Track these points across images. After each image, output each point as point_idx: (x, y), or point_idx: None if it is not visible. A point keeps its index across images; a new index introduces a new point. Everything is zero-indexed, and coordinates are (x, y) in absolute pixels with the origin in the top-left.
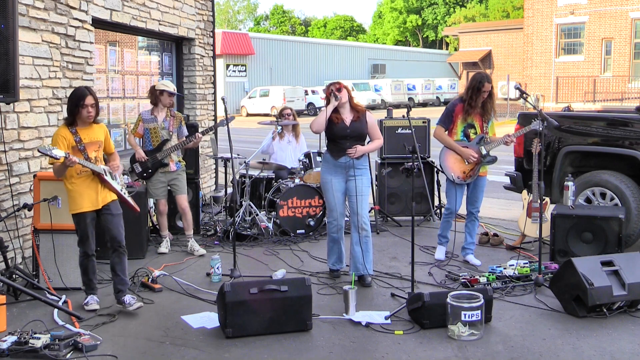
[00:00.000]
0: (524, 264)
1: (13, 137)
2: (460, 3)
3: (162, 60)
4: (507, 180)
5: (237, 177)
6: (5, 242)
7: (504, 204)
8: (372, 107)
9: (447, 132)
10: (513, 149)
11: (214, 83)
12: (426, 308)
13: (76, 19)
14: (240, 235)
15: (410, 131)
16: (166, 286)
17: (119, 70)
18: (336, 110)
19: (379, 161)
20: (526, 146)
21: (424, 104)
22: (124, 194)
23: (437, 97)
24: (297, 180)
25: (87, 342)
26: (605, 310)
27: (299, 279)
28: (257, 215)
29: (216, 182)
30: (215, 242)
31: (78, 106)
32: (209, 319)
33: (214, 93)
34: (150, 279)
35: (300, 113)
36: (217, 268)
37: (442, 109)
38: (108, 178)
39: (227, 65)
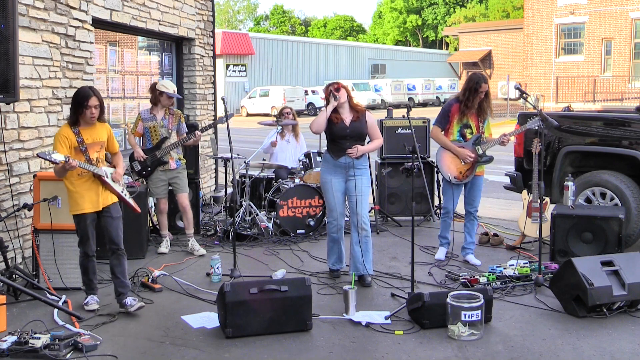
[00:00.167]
0: (524, 264)
1: (13, 137)
2: (460, 3)
3: (162, 60)
4: (507, 180)
5: (237, 177)
6: (5, 242)
7: (504, 204)
8: (372, 107)
9: (443, 132)
10: (513, 149)
11: (214, 83)
12: (426, 308)
13: (76, 19)
14: (240, 235)
15: (410, 131)
16: (166, 286)
17: (119, 70)
18: (336, 111)
19: (379, 161)
20: (526, 146)
21: (424, 104)
22: (125, 195)
23: (437, 97)
24: (297, 180)
25: (87, 342)
26: (605, 310)
27: (299, 279)
28: (257, 215)
29: (216, 182)
30: (215, 242)
31: (82, 107)
32: (209, 319)
33: (214, 93)
34: (150, 279)
35: (300, 113)
36: (217, 268)
37: None
38: (109, 180)
39: (227, 65)
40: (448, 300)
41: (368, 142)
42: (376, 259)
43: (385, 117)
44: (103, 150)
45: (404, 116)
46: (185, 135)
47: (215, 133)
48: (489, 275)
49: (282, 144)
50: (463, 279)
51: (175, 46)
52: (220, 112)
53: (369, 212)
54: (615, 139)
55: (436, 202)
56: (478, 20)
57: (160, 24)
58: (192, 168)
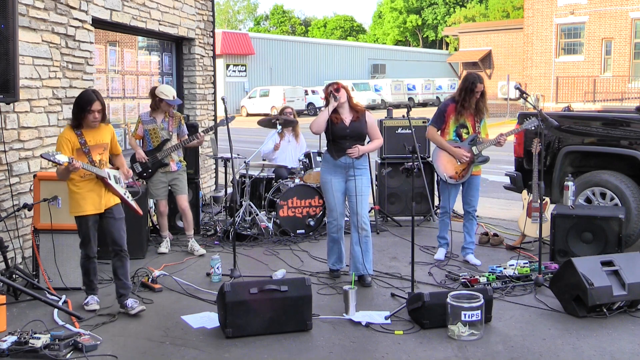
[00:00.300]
0: (524, 264)
1: (13, 137)
2: (460, 3)
3: (162, 60)
4: (507, 180)
5: (237, 177)
6: (5, 242)
7: (504, 204)
8: (372, 107)
9: (439, 132)
10: (513, 149)
11: (214, 83)
12: (426, 308)
13: (76, 19)
14: (240, 235)
15: (410, 131)
16: (166, 286)
17: (119, 70)
18: (335, 111)
19: (379, 161)
20: (526, 146)
21: (424, 104)
22: (128, 197)
23: (437, 97)
24: (297, 180)
25: (87, 342)
26: (605, 310)
27: (299, 279)
28: (257, 215)
29: (216, 182)
30: (215, 242)
31: (84, 111)
32: (209, 319)
33: (214, 93)
34: (150, 279)
35: (300, 113)
36: (217, 268)
37: None
38: (112, 182)
39: (227, 65)
40: (448, 300)
41: (368, 142)
42: (376, 259)
43: (385, 117)
44: (106, 153)
45: (404, 116)
46: (187, 136)
47: (215, 133)
48: (489, 275)
49: (282, 144)
50: (463, 279)
51: (175, 46)
52: (220, 112)
53: (369, 212)
54: (615, 139)
55: (436, 202)
56: (478, 20)
57: (160, 24)
58: (192, 168)
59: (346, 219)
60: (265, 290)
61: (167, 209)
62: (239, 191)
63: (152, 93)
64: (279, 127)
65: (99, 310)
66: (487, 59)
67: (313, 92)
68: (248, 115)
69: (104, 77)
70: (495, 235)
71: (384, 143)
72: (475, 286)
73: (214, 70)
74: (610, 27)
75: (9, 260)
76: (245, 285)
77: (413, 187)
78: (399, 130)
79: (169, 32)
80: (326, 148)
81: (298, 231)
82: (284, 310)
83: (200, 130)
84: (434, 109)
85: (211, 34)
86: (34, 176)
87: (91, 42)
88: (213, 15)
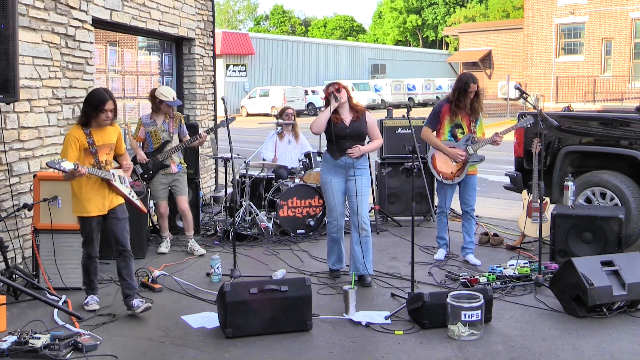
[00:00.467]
0: (524, 264)
1: (13, 137)
2: (460, 3)
3: (162, 60)
4: (507, 180)
5: (237, 177)
6: (5, 242)
7: (504, 204)
8: (372, 107)
9: (434, 133)
10: (513, 149)
11: (214, 83)
12: (426, 308)
13: (76, 19)
14: (240, 235)
15: (410, 131)
16: (166, 286)
17: (119, 70)
18: (335, 111)
19: (379, 161)
20: (526, 146)
21: (424, 104)
22: (132, 197)
23: (437, 97)
24: (297, 180)
25: (87, 342)
26: (605, 310)
27: (299, 279)
28: (257, 215)
29: (216, 182)
30: (215, 242)
31: (97, 110)
32: (209, 319)
33: (214, 93)
34: (150, 279)
35: (300, 113)
36: (217, 268)
37: None
38: (117, 183)
39: (227, 65)
40: (448, 300)
41: (368, 142)
42: (376, 259)
43: (385, 117)
44: (112, 153)
45: (404, 116)
46: (189, 137)
47: (215, 133)
48: (489, 275)
49: (282, 145)
50: (463, 279)
51: (175, 46)
52: (220, 112)
53: (369, 212)
54: (615, 139)
55: (436, 202)
56: (478, 20)
57: (160, 24)
58: (192, 168)
59: (346, 219)
60: (265, 290)
61: (168, 210)
62: (239, 191)
63: (152, 95)
64: (279, 127)
65: (99, 310)
66: (487, 59)
67: (313, 92)
68: (248, 115)
69: (104, 77)
70: (495, 235)
71: (384, 143)
72: (475, 286)
73: (214, 70)
74: (610, 27)
75: (9, 260)
76: (245, 285)
77: (413, 187)
78: (399, 130)
79: (169, 32)
80: (326, 148)
81: (298, 231)
82: (284, 310)
83: (200, 130)
84: None
85: (211, 34)
86: (34, 176)
87: (91, 42)
88: (213, 15)
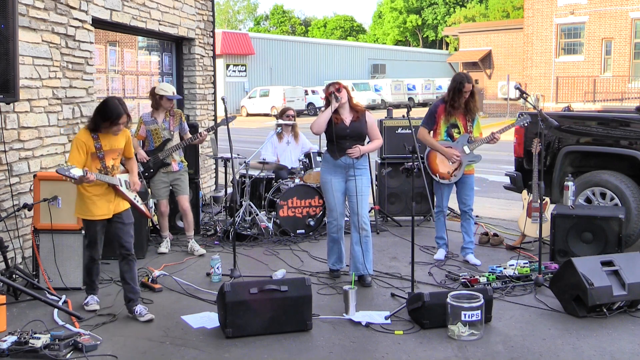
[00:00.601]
0: (524, 264)
1: (13, 137)
2: (460, 3)
3: (162, 60)
4: (507, 180)
5: (237, 177)
6: (5, 242)
7: (504, 204)
8: (372, 107)
9: (431, 133)
10: (513, 149)
11: (214, 83)
12: (426, 308)
13: (76, 19)
14: (240, 235)
15: (410, 131)
16: (166, 286)
17: (119, 70)
18: (336, 111)
19: (379, 161)
20: (526, 146)
21: (424, 104)
22: (137, 202)
23: (437, 97)
24: (297, 180)
25: (87, 342)
26: (605, 310)
27: (299, 279)
28: (257, 215)
29: (216, 182)
30: (215, 242)
31: (109, 122)
32: (209, 319)
33: (214, 93)
34: (150, 279)
35: (300, 113)
36: (217, 268)
37: None
38: (123, 189)
39: (227, 65)
40: (448, 300)
41: (368, 143)
42: (376, 259)
43: (385, 117)
44: (120, 158)
45: (404, 116)
46: (190, 135)
47: (215, 133)
48: (489, 275)
49: (281, 145)
50: (463, 279)
51: (175, 46)
52: (221, 112)
53: (369, 212)
54: (615, 139)
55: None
56: (478, 20)
57: (160, 24)
58: (192, 168)
59: (346, 219)
60: (265, 290)
61: (168, 209)
62: (239, 191)
63: (152, 92)
64: (278, 127)
65: (99, 310)
66: (487, 59)
67: (313, 92)
68: (248, 115)
69: (104, 77)
70: (495, 235)
71: (384, 143)
72: (475, 286)
73: (214, 70)
74: (610, 27)
75: (9, 260)
76: (245, 285)
77: (413, 187)
78: (399, 130)
79: (169, 32)
80: (326, 148)
81: (298, 231)
82: (284, 310)
83: (200, 130)
84: None
85: (211, 34)
86: (34, 176)
87: (91, 42)
88: (213, 15)
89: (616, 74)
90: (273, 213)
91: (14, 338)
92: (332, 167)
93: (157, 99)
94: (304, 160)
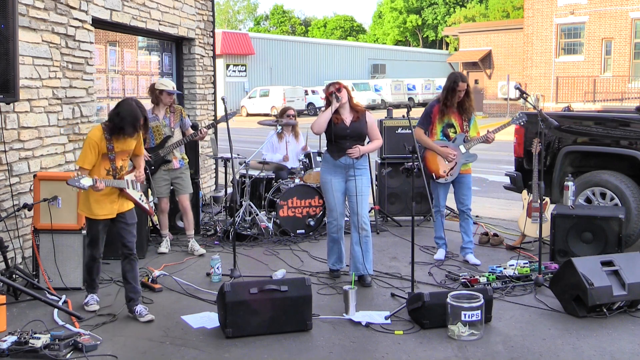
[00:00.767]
0: (524, 264)
1: (13, 137)
2: (460, 3)
3: (162, 60)
4: (507, 180)
5: (237, 177)
6: (5, 242)
7: (504, 204)
8: (372, 107)
9: (427, 133)
10: (513, 149)
11: (214, 83)
12: (426, 308)
13: (76, 19)
14: (240, 235)
15: (410, 131)
16: (166, 286)
17: (119, 70)
18: (336, 111)
19: (379, 161)
20: (526, 146)
21: (424, 104)
22: (142, 201)
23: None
24: (297, 180)
25: (87, 342)
26: (605, 310)
27: (299, 279)
28: (257, 215)
29: (216, 182)
30: (215, 242)
31: (134, 127)
32: (209, 319)
33: (214, 93)
34: (150, 279)
35: (300, 113)
36: (217, 268)
37: None
38: (129, 190)
39: (227, 65)
40: (448, 300)
41: (368, 143)
42: (376, 259)
43: (385, 117)
44: (128, 159)
45: (404, 116)
46: (192, 131)
47: (215, 133)
48: (489, 275)
49: (282, 145)
50: (463, 279)
51: (175, 46)
52: (221, 112)
53: (369, 212)
54: (615, 139)
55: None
56: (478, 20)
57: (160, 24)
58: (192, 168)
59: (346, 219)
60: (265, 290)
61: (168, 206)
62: (239, 191)
63: (152, 88)
64: (279, 127)
65: (99, 310)
66: (487, 59)
67: (313, 92)
68: (248, 115)
69: (104, 77)
70: (495, 235)
71: (384, 143)
72: (475, 286)
73: (214, 70)
74: (610, 27)
75: (9, 260)
76: (245, 285)
77: (413, 187)
78: (399, 130)
79: (169, 32)
80: (326, 148)
81: (298, 231)
82: (284, 310)
83: (201, 128)
84: None
85: (211, 34)
86: (34, 176)
87: (91, 42)
88: (213, 15)
89: (616, 74)
90: (273, 213)
91: (14, 338)
92: (332, 167)
93: (157, 94)
94: (304, 160)
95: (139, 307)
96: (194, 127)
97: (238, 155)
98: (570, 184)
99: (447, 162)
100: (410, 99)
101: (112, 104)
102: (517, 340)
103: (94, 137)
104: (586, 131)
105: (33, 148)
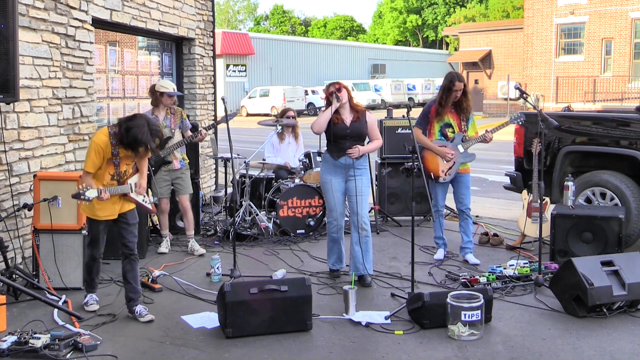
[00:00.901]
0: (524, 264)
1: (13, 137)
2: (460, 3)
3: (162, 60)
4: (507, 180)
5: (237, 177)
6: (5, 242)
7: (504, 204)
8: (372, 107)
9: (425, 133)
10: (513, 149)
11: (214, 83)
12: (426, 308)
13: (76, 19)
14: (240, 235)
15: (410, 131)
16: (166, 286)
17: (119, 70)
18: (336, 111)
19: (379, 161)
20: (526, 146)
21: (424, 104)
22: (145, 202)
23: None
24: (297, 180)
25: (87, 342)
26: (605, 310)
27: (299, 279)
28: (257, 215)
29: (216, 182)
30: (215, 242)
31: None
32: (209, 319)
33: (214, 93)
34: (150, 279)
35: (300, 113)
36: (217, 268)
37: None
38: (133, 195)
39: (227, 65)
40: (448, 300)
41: (367, 143)
42: (376, 259)
43: (385, 117)
44: (132, 163)
45: (404, 116)
46: (191, 133)
47: (215, 133)
48: (489, 275)
49: (283, 146)
50: (463, 279)
51: (175, 46)
52: (221, 112)
53: (369, 212)
54: (615, 139)
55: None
56: (478, 20)
57: (160, 24)
58: (192, 168)
59: (346, 219)
60: (265, 290)
61: (169, 206)
62: (239, 191)
63: (152, 90)
64: (279, 127)
65: (99, 310)
66: (487, 59)
67: (313, 92)
68: (248, 115)
69: (104, 77)
70: (495, 235)
71: (384, 143)
72: (475, 286)
73: (214, 70)
74: (610, 27)
75: (9, 260)
76: (245, 285)
77: (413, 187)
78: (399, 130)
79: (169, 32)
80: (326, 148)
81: (298, 231)
82: (284, 310)
83: (201, 128)
84: None
85: (211, 34)
86: (34, 176)
87: (91, 42)
88: (213, 15)
89: (616, 74)
90: (273, 213)
91: (14, 338)
92: (332, 167)
93: (157, 96)
94: (304, 160)
95: (139, 307)
96: (194, 128)
97: (238, 155)
98: (570, 184)
99: (445, 162)
100: (410, 99)
101: (112, 104)
102: (517, 340)
103: (101, 142)
104: (586, 131)
105: (33, 148)
